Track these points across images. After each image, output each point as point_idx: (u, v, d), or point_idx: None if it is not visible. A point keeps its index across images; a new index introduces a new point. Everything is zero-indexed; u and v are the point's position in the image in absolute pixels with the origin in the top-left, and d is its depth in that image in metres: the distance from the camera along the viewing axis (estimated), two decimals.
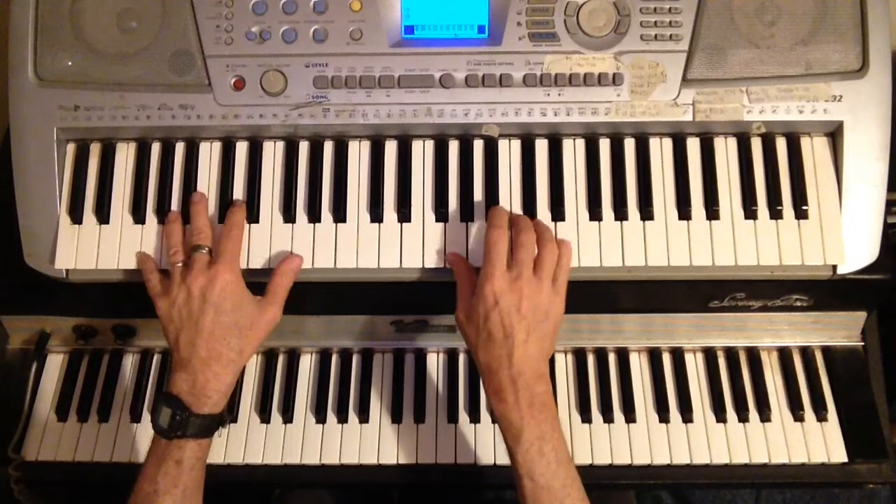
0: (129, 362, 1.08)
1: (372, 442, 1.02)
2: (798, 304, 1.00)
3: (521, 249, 0.86)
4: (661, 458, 1.01)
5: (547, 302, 0.85)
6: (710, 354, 1.07)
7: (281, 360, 1.07)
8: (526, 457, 0.81)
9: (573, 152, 0.97)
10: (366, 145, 0.97)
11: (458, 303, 0.88)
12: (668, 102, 0.94)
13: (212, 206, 0.95)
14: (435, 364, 1.07)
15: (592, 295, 0.98)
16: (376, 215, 0.95)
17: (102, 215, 0.95)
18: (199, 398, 0.84)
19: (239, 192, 0.96)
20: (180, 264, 0.90)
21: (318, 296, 0.98)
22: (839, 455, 1.01)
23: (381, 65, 0.94)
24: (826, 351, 1.07)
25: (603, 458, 1.01)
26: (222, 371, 0.86)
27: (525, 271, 0.84)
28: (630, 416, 1.03)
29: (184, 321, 0.86)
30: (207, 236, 0.91)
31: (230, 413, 1.03)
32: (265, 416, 1.04)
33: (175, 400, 0.84)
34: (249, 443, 1.02)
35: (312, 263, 0.94)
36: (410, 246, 0.94)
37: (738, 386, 1.04)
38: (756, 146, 0.97)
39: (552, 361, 1.06)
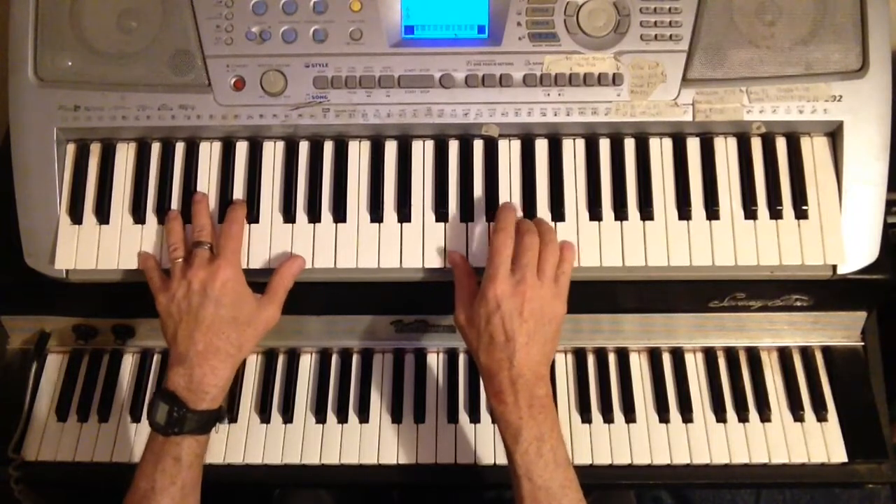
0: (129, 362, 1.08)
1: (372, 442, 1.02)
2: (798, 304, 1.00)
3: (525, 253, 0.85)
4: (661, 458, 1.01)
5: (549, 305, 0.85)
6: (710, 354, 1.07)
7: (281, 360, 1.07)
8: (524, 457, 0.80)
9: (573, 152, 0.97)
10: (366, 145, 0.97)
11: (457, 304, 0.88)
12: (668, 102, 0.94)
13: (212, 205, 0.95)
14: (435, 364, 1.07)
15: (592, 295, 0.98)
16: (376, 215, 0.95)
17: (102, 215, 0.95)
18: (196, 394, 0.84)
19: (239, 192, 0.96)
20: (181, 260, 0.90)
21: (318, 296, 0.98)
22: (839, 455, 1.01)
23: (381, 65, 0.95)
24: (826, 351, 1.07)
25: (603, 458, 1.01)
26: (220, 365, 0.86)
27: (528, 275, 0.84)
28: (630, 416, 1.03)
29: (182, 314, 0.86)
30: (209, 233, 0.91)
31: (229, 412, 1.03)
32: (265, 416, 1.03)
33: (172, 396, 0.84)
34: (249, 443, 1.02)
35: (312, 263, 0.94)
36: (410, 246, 0.94)
37: (738, 386, 1.04)
38: (756, 146, 0.97)
39: (552, 362, 1.06)
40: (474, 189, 0.96)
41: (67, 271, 0.95)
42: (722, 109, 0.94)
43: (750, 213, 0.94)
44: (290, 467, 1.02)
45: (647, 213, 0.94)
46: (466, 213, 0.95)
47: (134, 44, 0.94)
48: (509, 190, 0.96)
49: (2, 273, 0.99)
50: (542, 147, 0.97)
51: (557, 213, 0.95)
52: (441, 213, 0.95)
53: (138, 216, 0.95)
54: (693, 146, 0.97)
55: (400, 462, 1.02)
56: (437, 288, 0.94)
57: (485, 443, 1.02)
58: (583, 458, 1.01)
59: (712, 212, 0.94)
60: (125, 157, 0.97)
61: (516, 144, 0.97)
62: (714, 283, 0.97)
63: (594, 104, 0.94)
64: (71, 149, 0.97)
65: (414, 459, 1.02)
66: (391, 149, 0.97)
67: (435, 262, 0.94)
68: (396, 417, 1.03)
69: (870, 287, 0.97)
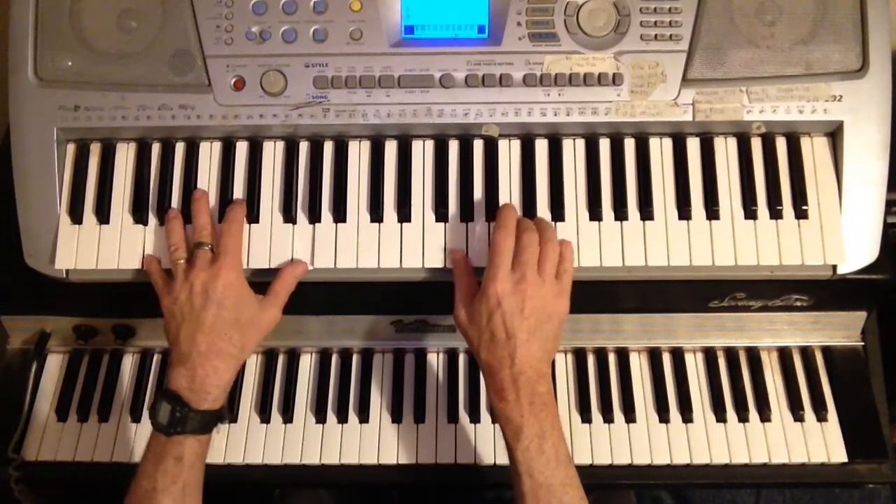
0: (129, 362, 1.08)
1: (372, 442, 1.02)
2: (798, 304, 1.00)
3: (525, 250, 0.85)
4: (661, 458, 1.01)
5: (550, 302, 0.85)
6: (710, 354, 1.07)
7: (281, 360, 1.07)
8: (525, 454, 0.80)
9: (573, 152, 0.97)
10: (366, 145, 0.97)
11: (457, 302, 0.88)
12: (668, 102, 0.94)
13: (212, 205, 0.95)
14: (435, 364, 1.07)
15: (592, 295, 0.98)
16: (376, 215, 0.95)
17: (102, 215, 0.95)
18: (198, 394, 0.84)
19: (239, 192, 0.96)
20: (182, 261, 0.90)
21: (318, 296, 0.98)
22: (839, 455, 1.01)
23: (381, 65, 0.95)
24: (826, 351, 1.07)
25: (603, 458, 1.01)
26: (222, 365, 0.86)
27: (529, 272, 0.84)
28: (630, 416, 1.03)
29: (185, 316, 0.87)
30: (209, 233, 0.92)
31: (230, 412, 1.03)
32: (265, 416, 1.03)
33: (174, 396, 0.84)
34: (249, 443, 1.02)
35: (312, 263, 0.94)
36: (410, 246, 0.94)
37: (738, 386, 1.04)
38: (756, 146, 0.97)
39: (552, 362, 1.06)
40: (474, 189, 0.96)
41: (67, 271, 0.95)
42: (722, 109, 0.94)
43: (750, 213, 0.94)
44: (290, 467, 1.02)
45: (647, 213, 0.94)
46: (466, 213, 0.95)
47: (134, 44, 0.94)
48: (509, 190, 0.96)
49: (2, 273, 0.99)
50: (542, 147, 0.97)
51: (557, 213, 0.95)
52: (441, 213, 0.95)
53: (138, 216, 0.95)
54: (693, 146, 0.97)
55: (400, 462, 1.02)
56: (437, 288, 0.94)
57: (485, 443, 1.02)
58: (583, 458, 1.01)
59: (712, 212, 0.94)
60: (125, 157, 0.97)
61: (516, 144, 0.97)
62: (714, 283, 0.97)
63: (594, 104, 0.94)
64: (71, 149, 0.97)
65: (414, 459, 1.02)
66: (391, 149, 0.97)
67: (435, 262, 0.94)
68: (396, 417, 1.03)
69: (870, 287, 0.97)
